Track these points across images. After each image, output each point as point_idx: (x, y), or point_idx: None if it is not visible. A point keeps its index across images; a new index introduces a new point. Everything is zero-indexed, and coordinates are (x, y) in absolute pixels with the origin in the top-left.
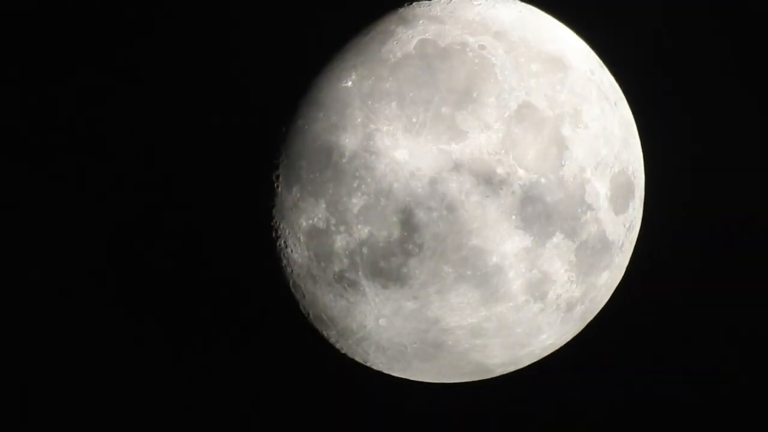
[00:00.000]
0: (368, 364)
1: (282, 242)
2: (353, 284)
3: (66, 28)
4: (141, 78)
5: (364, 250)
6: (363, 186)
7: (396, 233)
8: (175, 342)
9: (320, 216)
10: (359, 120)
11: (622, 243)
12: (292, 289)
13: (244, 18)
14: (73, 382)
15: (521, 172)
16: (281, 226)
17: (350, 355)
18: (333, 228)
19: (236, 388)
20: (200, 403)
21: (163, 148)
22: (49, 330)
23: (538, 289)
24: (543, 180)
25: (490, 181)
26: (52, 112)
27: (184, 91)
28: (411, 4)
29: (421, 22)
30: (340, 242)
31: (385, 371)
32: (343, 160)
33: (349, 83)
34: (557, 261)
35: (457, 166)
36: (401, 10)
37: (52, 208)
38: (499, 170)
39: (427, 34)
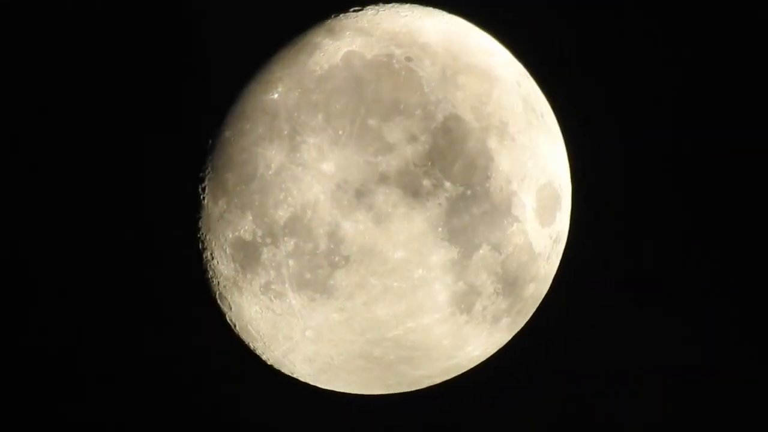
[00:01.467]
0: (295, 376)
1: (208, 254)
2: (280, 296)
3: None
4: (66, 86)
5: (291, 262)
6: (289, 198)
7: (322, 245)
8: (98, 355)
9: (246, 228)
10: (285, 132)
11: (549, 255)
12: (219, 301)
13: (170, 30)
14: None
15: (447, 184)
16: (207, 237)
17: (277, 366)
18: (259, 240)
19: (160, 399)
20: (123, 416)
21: (87, 160)
22: None
23: (464, 300)
24: (469, 192)
25: (416, 193)
26: None
27: (111, 103)
28: (338, 15)
29: (347, 33)
30: (266, 254)
31: (312, 383)
32: (270, 172)
33: (276, 95)
34: (483, 273)
35: (383, 178)
36: (328, 21)
37: None
38: (426, 182)
39: (353, 46)
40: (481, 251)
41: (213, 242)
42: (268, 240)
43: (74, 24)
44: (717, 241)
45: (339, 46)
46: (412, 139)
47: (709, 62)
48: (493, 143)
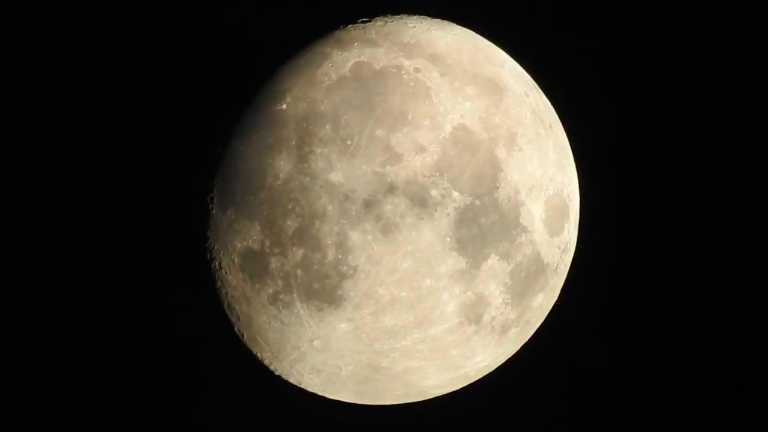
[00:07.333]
0: (303, 386)
1: (216, 264)
2: (288, 306)
3: None
4: (77, 95)
5: (299, 272)
6: (297, 208)
7: (330, 255)
8: (107, 364)
9: (255, 238)
10: (294, 142)
11: (557, 265)
12: (227, 311)
13: (179, 39)
14: None
15: (456, 194)
16: (216, 247)
17: (285, 377)
18: (267, 250)
19: (167, 409)
20: (128, 425)
21: (95, 170)
22: None
23: (472, 311)
24: (478, 202)
25: (424, 204)
26: None
27: (120, 113)
28: (346, 26)
29: (356, 44)
30: (274, 264)
31: (320, 393)
32: (278, 183)
33: (284, 105)
34: (492, 283)
35: (391, 189)
36: (336, 32)
37: None
38: (434, 192)
39: (362, 57)
40: (489, 261)
41: (221, 252)
42: (276, 250)
43: (88, 34)
44: (729, 248)
45: (347, 56)
46: (421, 149)
47: (721, 74)
48: (501, 153)
